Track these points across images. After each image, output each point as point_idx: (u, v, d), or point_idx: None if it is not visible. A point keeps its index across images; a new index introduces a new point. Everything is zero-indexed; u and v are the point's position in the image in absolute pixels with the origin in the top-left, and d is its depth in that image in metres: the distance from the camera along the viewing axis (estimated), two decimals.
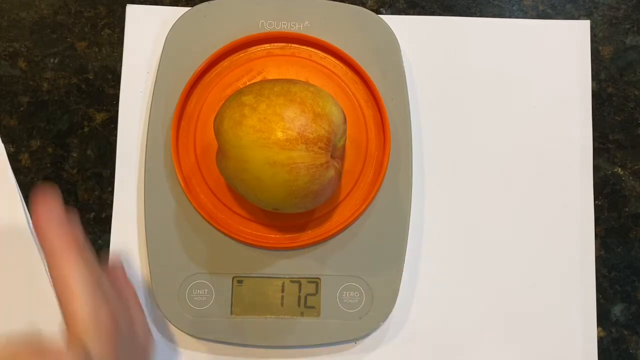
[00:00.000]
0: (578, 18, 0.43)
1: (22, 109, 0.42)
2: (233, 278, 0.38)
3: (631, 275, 0.41)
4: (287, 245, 0.37)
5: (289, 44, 0.40)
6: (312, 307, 0.38)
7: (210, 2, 0.40)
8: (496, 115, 0.41)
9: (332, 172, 0.33)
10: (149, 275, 0.38)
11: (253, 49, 0.40)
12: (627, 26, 0.43)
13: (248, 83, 0.39)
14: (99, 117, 0.41)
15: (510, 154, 0.41)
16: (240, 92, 0.34)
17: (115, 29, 0.42)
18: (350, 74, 0.39)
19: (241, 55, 0.40)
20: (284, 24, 0.40)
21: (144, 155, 0.39)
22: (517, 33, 0.42)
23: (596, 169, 0.41)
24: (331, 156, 0.34)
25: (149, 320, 0.39)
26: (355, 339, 0.39)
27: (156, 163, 0.38)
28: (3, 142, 0.41)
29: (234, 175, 0.33)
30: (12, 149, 0.41)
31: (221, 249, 0.38)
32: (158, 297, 0.37)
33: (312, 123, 0.32)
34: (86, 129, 0.41)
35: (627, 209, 0.41)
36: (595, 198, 0.41)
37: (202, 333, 0.37)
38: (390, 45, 0.40)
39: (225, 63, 0.39)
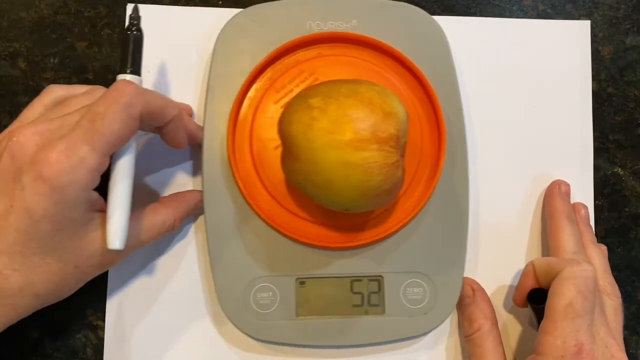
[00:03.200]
0: (578, 18, 0.43)
1: (22, 109, 0.41)
2: (296, 279, 0.38)
3: (631, 275, 0.41)
4: (348, 245, 0.37)
5: (338, 44, 0.39)
6: (377, 305, 0.38)
7: (257, 5, 0.40)
8: (496, 114, 0.41)
9: (400, 171, 0.33)
10: (213, 280, 0.38)
11: (302, 50, 0.39)
12: (627, 26, 0.43)
13: (301, 85, 0.39)
14: None
15: (510, 154, 0.41)
16: (305, 95, 0.33)
17: (115, 29, 0.42)
18: (401, 71, 0.39)
19: (291, 57, 0.39)
20: (332, 24, 0.40)
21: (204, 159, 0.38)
22: (518, 33, 0.42)
23: (596, 169, 0.42)
24: None
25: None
26: (421, 335, 0.39)
27: (214, 169, 0.38)
28: None
29: (305, 178, 0.33)
30: None
31: (282, 251, 0.38)
32: (223, 302, 0.37)
33: (382, 122, 0.32)
34: None
35: (627, 209, 0.41)
36: (595, 198, 0.41)
37: (268, 336, 0.37)
38: (439, 42, 0.40)
39: (276, 66, 0.39)
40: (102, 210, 0.33)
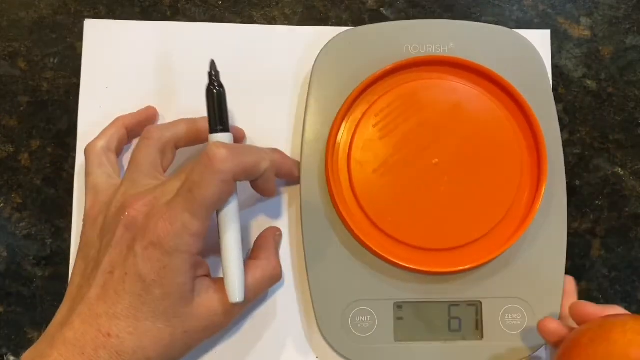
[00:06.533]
0: (578, 18, 0.43)
1: (22, 109, 0.42)
2: (394, 304, 0.37)
3: (631, 275, 0.41)
4: (446, 270, 0.37)
5: (436, 67, 0.39)
6: (475, 330, 0.38)
7: (354, 28, 0.40)
8: None
9: None
10: (312, 304, 0.38)
11: (401, 73, 0.39)
12: (627, 26, 0.43)
13: (399, 108, 0.38)
14: None
15: None
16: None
17: None
18: (500, 95, 0.39)
19: (389, 80, 0.39)
20: (429, 46, 0.40)
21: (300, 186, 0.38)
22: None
23: (596, 169, 0.42)
24: None
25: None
26: None
27: (312, 193, 0.38)
28: (3, 142, 0.41)
29: None
30: (12, 149, 0.41)
31: (380, 275, 0.37)
32: (321, 325, 0.37)
33: None
34: None
35: (627, 209, 0.41)
36: (595, 198, 0.41)
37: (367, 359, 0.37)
38: (535, 63, 0.40)
39: (375, 89, 0.39)
40: (207, 275, 0.35)
